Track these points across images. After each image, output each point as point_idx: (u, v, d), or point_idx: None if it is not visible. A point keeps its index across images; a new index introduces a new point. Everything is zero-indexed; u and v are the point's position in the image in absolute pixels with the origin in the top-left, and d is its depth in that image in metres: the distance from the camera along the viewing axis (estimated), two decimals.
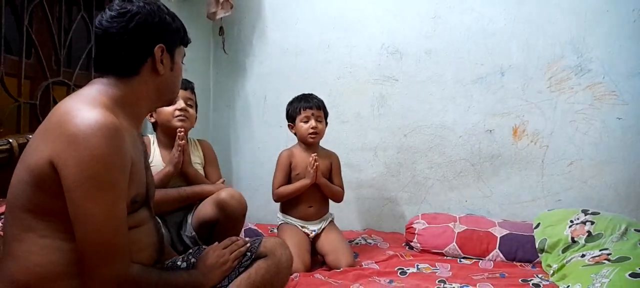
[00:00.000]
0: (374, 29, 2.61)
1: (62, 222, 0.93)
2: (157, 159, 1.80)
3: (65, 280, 0.95)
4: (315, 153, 2.08)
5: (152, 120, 1.85)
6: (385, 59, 2.60)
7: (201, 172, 1.89)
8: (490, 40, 2.44)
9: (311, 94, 2.17)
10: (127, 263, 0.98)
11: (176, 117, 1.79)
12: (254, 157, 2.83)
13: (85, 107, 0.95)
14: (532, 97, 2.39)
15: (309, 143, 2.13)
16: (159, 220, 1.54)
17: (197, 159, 1.89)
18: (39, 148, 0.94)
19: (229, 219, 1.57)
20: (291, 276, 1.80)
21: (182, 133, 1.75)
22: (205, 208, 1.67)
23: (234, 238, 1.30)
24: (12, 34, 1.81)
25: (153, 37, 1.07)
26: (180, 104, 1.80)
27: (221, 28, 2.74)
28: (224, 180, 1.92)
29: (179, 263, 1.24)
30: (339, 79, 2.67)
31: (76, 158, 0.90)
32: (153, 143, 1.84)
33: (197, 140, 2.00)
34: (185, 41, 1.19)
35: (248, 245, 1.29)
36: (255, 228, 2.41)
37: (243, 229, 2.24)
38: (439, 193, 2.55)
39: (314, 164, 2.04)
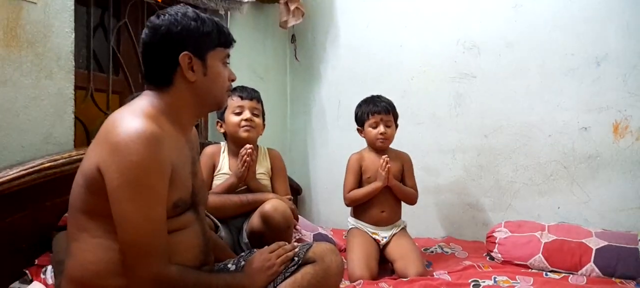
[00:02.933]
0: (448, 24, 2.47)
1: (111, 223, 1.00)
2: (226, 167, 1.87)
3: (116, 278, 1.02)
4: (386, 155, 2.02)
5: (222, 130, 1.92)
6: (462, 55, 2.44)
7: (267, 182, 1.90)
8: (582, 26, 2.16)
9: (379, 97, 2.11)
10: (164, 263, 1.01)
11: (242, 127, 1.83)
12: (330, 161, 2.84)
13: (129, 117, 1.02)
14: (636, 88, 2.07)
15: (378, 148, 2.08)
16: (219, 223, 1.61)
17: (262, 169, 1.91)
18: (90, 155, 1.04)
19: (273, 232, 1.55)
20: (355, 283, 1.76)
21: (250, 150, 1.77)
22: (253, 219, 1.68)
23: (281, 243, 1.29)
24: (101, 53, 2.03)
25: (176, 46, 1.09)
26: (246, 114, 1.84)
27: (293, 36, 2.80)
28: (290, 197, 1.91)
29: (229, 266, 1.28)
30: (412, 79, 2.57)
31: (117, 164, 0.96)
32: (223, 151, 1.91)
33: (268, 149, 2.01)
34: (223, 42, 1.16)
35: (296, 249, 1.28)
36: (326, 233, 2.40)
37: (312, 234, 2.25)
38: (526, 198, 2.32)
39: (385, 166, 1.98)
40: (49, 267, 1.45)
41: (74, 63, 1.75)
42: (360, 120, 2.11)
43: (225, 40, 1.17)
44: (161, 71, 1.10)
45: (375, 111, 2.05)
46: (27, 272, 1.48)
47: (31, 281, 1.45)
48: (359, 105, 2.14)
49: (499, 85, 2.36)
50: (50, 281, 1.41)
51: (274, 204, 1.64)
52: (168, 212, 1.04)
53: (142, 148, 0.96)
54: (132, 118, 1.01)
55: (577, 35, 2.18)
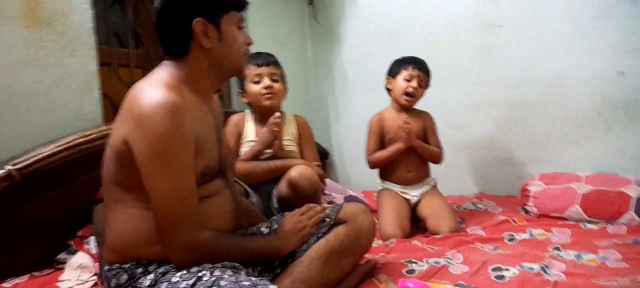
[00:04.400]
0: None
1: (144, 193, 1.01)
2: (252, 135, 1.86)
3: (152, 245, 1.03)
4: (406, 115, 1.97)
5: (245, 100, 1.90)
6: (483, 4, 2.33)
7: (293, 148, 1.89)
8: None
9: (421, 59, 2.04)
10: (196, 229, 1.02)
11: (263, 96, 1.81)
12: (353, 123, 2.80)
13: (150, 88, 1.01)
14: None
15: (402, 105, 2.03)
16: (250, 189, 1.61)
17: (288, 135, 1.89)
18: (117, 128, 1.04)
19: (300, 198, 1.53)
20: (387, 242, 1.76)
21: (278, 120, 1.75)
22: (281, 185, 1.68)
23: (312, 204, 1.29)
24: (120, 28, 2.03)
25: (189, 13, 1.06)
26: (265, 81, 1.81)
27: None
28: (319, 164, 1.89)
29: (262, 229, 1.29)
30: (433, 33, 2.48)
31: (143, 136, 0.97)
32: (248, 119, 1.90)
33: (294, 116, 1.99)
34: (236, 5, 1.12)
35: (327, 211, 1.29)
36: (357, 195, 2.39)
37: (343, 196, 2.25)
38: (560, 150, 2.25)
39: (406, 127, 1.94)
40: (92, 238, 1.50)
41: (95, 39, 1.75)
42: (394, 70, 2.05)
43: (239, 3, 1.13)
44: (176, 40, 1.09)
45: (416, 66, 2.00)
46: (71, 243, 1.53)
47: (76, 251, 1.51)
48: (399, 60, 2.06)
49: (525, 34, 2.26)
50: (93, 251, 1.47)
51: (299, 170, 1.63)
52: (196, 180, 1.04)
53: (165, 119, 0.96)
54: (153, 89, 1.01)
55: None
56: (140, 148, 0.97)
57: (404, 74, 2.00)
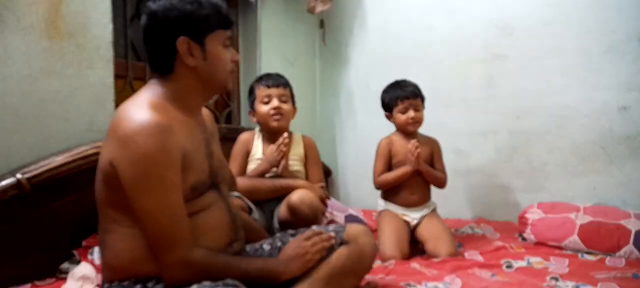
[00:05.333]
0: (480, 3, 2.42)
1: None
2: (259, 153, 1.90)
3: (150, 263, 1.03)
4: (415, 140, 2.02)
5: (254, 119, 1.94)
6: (494, 35, 2.39)
7: (299, 168, 1.92)
8: (624, 1, 2.08)
9: (405, 81, 2.10)
10: (187, 247, 1.02)
11: (271, 116, 1.85)
12: (359, 144, 2.85)
13: (134, 109, 1.02)
14: None
15: (409, 132, 2.08)
16: (253, 206, 1.65)
17: (295, 156, 1.93)
18: (103, 150, 1.05)
19: (300, 223, 1.52)
20: (386, 263, 1.78)
21: (287, 140, 1.79)
22: (282, 209, 1.70)
23: (318, 230, 1.27)
24: (138, 42, 2.08)
25: (173, 31, 1.06)
26: (274, 102, 1.85)
27: (322, 21, 2.81)
28: (323, 185, 1.91)
29: (264, 246, 1.30)
30: (442, 61, 2.54)
31: (127, 158, 0.98)
32: (258, 137, 1.95)
33: (302, 136, 2.02)
34: (223, 24, 1.13)
35: (332, 241, 1.25)
36: (357, 214, 2.42)
37: (344, 215, 2.28)
38: (560, 180, 2.28)
39: (415, 151, 1.98)
40: (96, 248, 1.51)
41: (113, 52, 1.81)
42: (388, 106, 2.11)
43: (225, 22, 1.14)
44: (161, 58, 1.09)
45: (404, 96, 2.04)
46: (75, 252, 1.56)
47: (79, 261, 1.52)
48: (385, 91, 2.12)
49: (532, 66, 2.31)
50: (97, 261, 1.48)
51: (300, 195, 1.64)
52: (186, 196, 1.04)
53: (148, 139, 0.97)
54: (137, 110, 1.01)
55: (618, 10, 2.10)
56: (125, 170, 0.98)
57: (398, 108, 2.05)
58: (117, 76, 1.88)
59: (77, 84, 1.69)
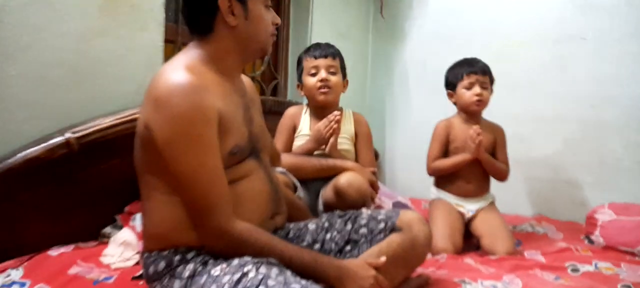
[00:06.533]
0: None
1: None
2: (306, 129, 1.81)
3: (190, 232, 1.00)
4: (477, 125, 1.86)
5: (302, 93, 1.85)
6: (571, 12, 2.18)
7: (348, 147, 1.81)
8: None
9: (475, 58, 1.95)
10: (227, 215, 0.99)
11: (319, 89, 1.74)
12: (411, 126, 2.71)
13: (169, 71, 0.99)
14: None
15: (473, 111, 1.92)
16: (298, 184, 1.56)
17: (345, 134, 1.81)
18: (141, 114, 1.02)
19: (346, 208, 1.36)
20: (438, 257, 1.67)
21: (338, 117, 1.68)
22: (328, 191, 1.60)
23: (380, 261, 1.11)
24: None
25: None
26: (322, 74, 1.74)
27: None
28: (374, 170, 1.77)
29: (310, 226, 1.24)
30: (509, 39, 2.35)
31: (161, 120, 0.95)
32: (305, 112, 1.85)
33: (353, 113, 1.90)
34: None
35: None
36: (406, 202, 2.30)
37: (392, 201, 2.17)
38: (635, 179, 2.06)
39: (476, 138, 1.83)
40: (138, 215, 1.49)
41: (164, 15, 1.76)
42: (451, 82, 1.96)
43: None
44: (201, 18, 1.06)
45: (471, 71, 1.89)
46: (117, 218, 1.55)
47: (121, 227, 1.51)
48: (451, 68, 1.98)
49: (613, 49, 2.09)
50: (139, 228, 1.46)
51: (349, 178, 1.54)
52: (225, 162, 1.01)
53: (182, 99, 0.94)
54: (171, 71, 0.99)
55: None
56: (160, 132, 0.95)
57: (463, 83, 1.90)
58: (167, 41, 1.84)
59: (130, 45, 1.67)
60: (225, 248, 0.99)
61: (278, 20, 1.16)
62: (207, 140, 0.97)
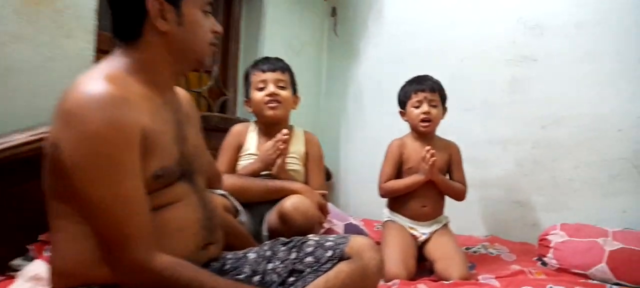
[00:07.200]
0: None
1: None
2: (252, 148, 1.70)
3: (103, 268, 0.87)
4: (430, 146, 1.80)
5: (250, 110, 1.74)
6: (522, 34, 2.18)
7: (297, 167, 1.71)
8: None
9: (426, 76, 1.91)
10: (147, 248, 0.86)
11: (266, 104, 1.65)
12: (366, 146, 2.65)
13: (85, 81, 0.86)
14: None
15: (420, 131, 1.87)
16: (241, 207, 1.43)
17: (295, 154, 1.71)
18: (50, 131, 0.89)
19: (292, 234, 1.25)
20: (390, 283, 1.58)
21: (286, 137, 1.58)
22: (272, 216, 1.50)
23: None
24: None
25: None
26: (270, 88, 1.65)
27: (334, 8, 2.62)
28: (324, 193, 1.69)
29: (249, 255, 1.12)
30: (463, 60, 2.34)
31: (71, 138, 0.82)
32: (252, 130, 1.74)
33: (304, 131, 1.81)
34: None
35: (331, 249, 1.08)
36: (358, 224, 2.21)
37: (343, 224, 2.07)
38: (586, 199, 2.06)
39: (429, 159, 1.76)
40: None
41: (96, 22, 1.62)
42: (402, 101, 1.91)
43: None
44: (128, 21, 0.94)
45: (419, 89, 1.84)
46: (30, 248, 1.38)
47: (33, 258, 1.35)
48: (402, 86, 1.94)
49: (563, 71, 2.10)
50: None
51: (294, 202, 1.43)
52: (148, 186, 0.89)
53: (96, 113, 0.81)
54: (87, 81, 0.86)
55: None
56: (69, 152, 0.83)
57: (412, 101, 1.85)
58: (101, 51, 1.69)
59: (52, 54, 1.52)
60: (144, 287, 0.87)
61: (218, 28, 1.05)
62: (125, 162, 0.84)
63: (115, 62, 0.94)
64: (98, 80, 0.85)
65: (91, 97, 0.82)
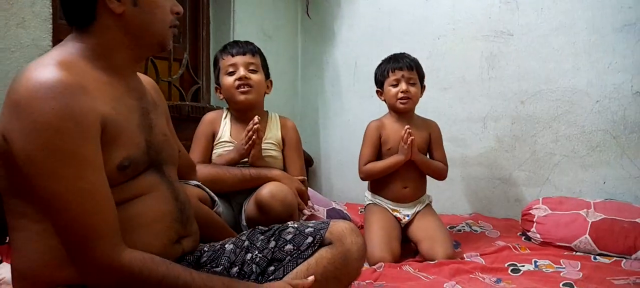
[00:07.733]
0: None
1: None
2: (226, 135, 1.63)
3: (69, 267, 0.81)
4: (409, 126, 1.76)
5: (221, 97, 1.67)
6: (498, 10, 2.15)
7: (275, 154, 1.64)
8: None
9: (403, 54, 1.86)
10: (113, 245, 0.81)
11: (237, 89, 1.57)
12: (345, 129, 2.61)
13: (34, 67, 0.80)
14: None
15: (399, 110, 1.82)
16: (216, 198, 1.37)
17: (271, 140, 1.65)
18: None
19: (271, 223, 1.19)
20: (375, 266, 1.55)
21: (257, 126, 1.51)
22: (250, 205, 1.44)
23: (307, 282, 0.97)
24: None
25: None
26: (240, 71, 1.57)
27: None
28: (304, 179, 1.63)
29: (227, 246, 1.06)
30: (439, 38, 2.30)
31: (21, 129, 0.76)
32: (225, 117, 1.67)
33: (280, 117, 1.74)
34: None
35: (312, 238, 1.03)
36: (341, 209, 2.17)
37: (325, 209, 2.02)
38: (566, 172, 2.06)
39: (407, 138, 1.72)
40: None
41: (51, 10, 1.52)
42: (379, 80, 1.87)
43: None
44: (79, 4, 0.87)
45: (397, 67, 1.80)
46: None
47: (1, 261, 1.27)
48: (379, 65, 1.89)
49: (539, 44, 2.08)
50: None
51: (272, 189, 1.38)
52: (112, 178, 0.83)
53: (48, 103, 0.75)
54: (37, 68, 0.79)
55: None
56: (19, 145, 0.76)
57: (389, 80, 1.81)
58: (60, 41, 1.57)
59: (3, 45, 1.41)
60: (112, 285, 0.82)
61: (179, 8, 0.97)
62: (83, 154, 0.78)
63: (68, 48, 0.87)
64: (49, 66, 0.79)
65: (41, 85, 0.76)
